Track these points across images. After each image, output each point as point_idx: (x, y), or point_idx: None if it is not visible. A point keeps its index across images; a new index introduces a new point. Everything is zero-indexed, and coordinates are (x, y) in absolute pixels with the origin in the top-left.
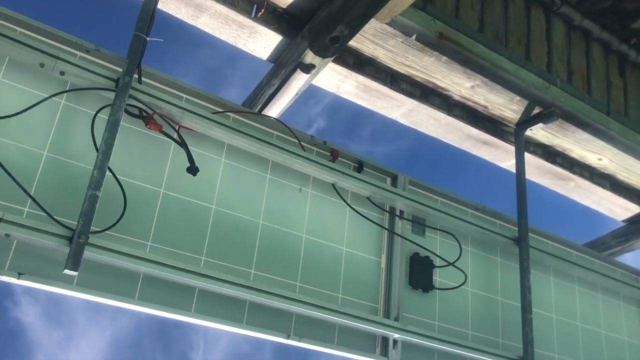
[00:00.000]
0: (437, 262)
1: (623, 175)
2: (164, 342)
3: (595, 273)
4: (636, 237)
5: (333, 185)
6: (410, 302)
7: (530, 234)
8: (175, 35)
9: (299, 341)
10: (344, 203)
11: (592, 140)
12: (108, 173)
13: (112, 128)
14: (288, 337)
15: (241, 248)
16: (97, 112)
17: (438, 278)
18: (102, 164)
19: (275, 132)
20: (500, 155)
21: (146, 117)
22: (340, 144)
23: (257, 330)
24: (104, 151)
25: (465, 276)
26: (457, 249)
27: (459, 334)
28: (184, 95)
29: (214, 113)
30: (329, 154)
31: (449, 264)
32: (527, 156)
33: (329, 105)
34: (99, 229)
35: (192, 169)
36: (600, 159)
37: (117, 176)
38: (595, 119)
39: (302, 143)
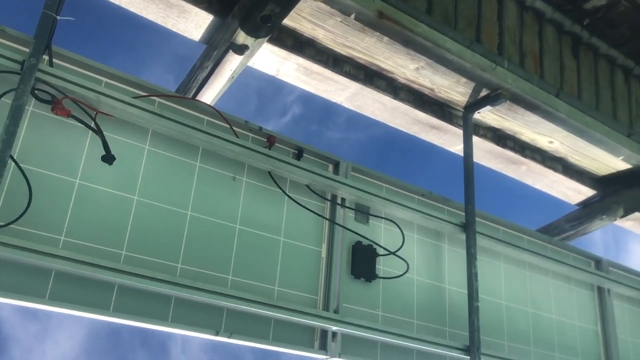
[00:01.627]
0: (382, 250)
1: (575, 158)
2: (143, 333)
3: (547, 258)
4: (589, 220)
5: (269, 173)
6: (352, 293)
7: (480, 220)
8: (103, 16)
9: (229, 337)
10: (282, 191)
11: (541, 123)
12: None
13: (14, 114)
14: (217, 334)
15: (166, 241)
16: (0, 96)
17: (382, 267)
18: (2, 153)
19: (207, 118)
20: (450, 139)
21: (53, 102)
22: (314, 131)
23: (183, 328)
24: (5, 139)
25: (408, 265)
26: (406, 236)
27: (403, 323)
28: (104, 79)
29: (134, 97)
30: (265, 141)
31: (390, 253)
32: (477, 140)
33: (306, 92)
34: (2, 223)
35: (108, 158)
36: (551, 142)
37: (24, 166)
38: (544, 101)
39: (235, 129)
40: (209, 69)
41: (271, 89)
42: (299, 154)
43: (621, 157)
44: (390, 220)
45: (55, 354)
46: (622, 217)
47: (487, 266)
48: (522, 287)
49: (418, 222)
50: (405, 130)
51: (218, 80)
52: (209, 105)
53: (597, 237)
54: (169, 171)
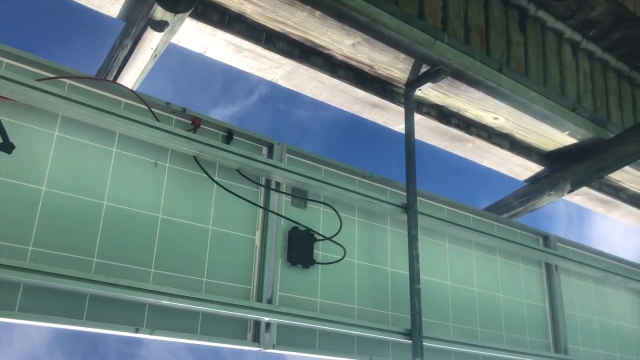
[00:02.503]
0: (320, 235)
1: (521, 134)
2: None
3: (493, 237)
4: (537, 196)
5: (195, 157)
6: (289, 280)
7: (423, 200)
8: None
9: (151, 334)
10: (209, 177)
11: (485, 99)
12: None
13: None
14: (137, 331)
15: (79, 234)
16: None
17: (322, 252)
18: None
19: (125, 100)
20: (393, 118)
21: None
22: (282, 110)
23: (99, 327)
24: None
25: (345, 250)
26: (343, 219)
27: (344, 310)
28: (4, 60)
29: (38, 80)
30: (190, 123)
31: (326, 238)
32: (421, 118)
33: None
34: None
35: (6, 146)
36: (496, 118)
37: None
38: (487, 77)
39: (155, 111)
40: (128, 47)
41: (237, 68)
42: (229, 136)
43: (567, 132)
44: (328, 205)
45: (23, 345)
46: (569, 192)
47: (431, 247)
48: (468, 267)
49: (359, 205)
50: (346, 110)
51: (139, 59)
52: (126, 88)
53: (561, 210)
54: (82, 158)
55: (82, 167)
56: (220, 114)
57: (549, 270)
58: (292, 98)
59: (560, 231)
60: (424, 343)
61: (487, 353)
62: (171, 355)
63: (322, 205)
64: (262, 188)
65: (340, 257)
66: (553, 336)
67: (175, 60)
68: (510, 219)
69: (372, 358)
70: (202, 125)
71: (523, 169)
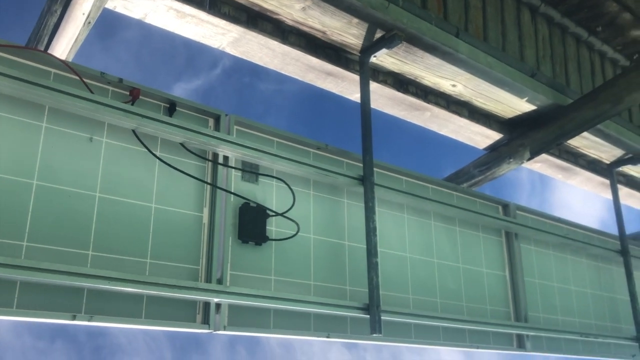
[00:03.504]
0: (274, 209)
1: (479, 102)
2: None
3: (452, 207)
4: (497, 164)
5: (134, 131)
6: (241, 259)
7: (381, 172)
8: None
9: (90, 320)
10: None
11: (443, 65)
12: None
13: None
14: (74, 318)
15: (7, 217)
16: None
17: (275, 228)
18: None
19: (55, 71)
20: (348, 87)
21: None
22: (247, 83)
23: (32, 315)
24: None
25: (298, 226)
26: (297, 192)
27: (300, 286)
28: None
29: None
30: (127, 94)
31: (277, 214)
32: (377, 86)
33: None
34: None
35: None
36: (454, 85)
37: None
38: (443, 42)
39: (89, 81)
40: (58, 13)
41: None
42: (171, 108)
43: (525, 99)
44: (279, 179)
45: None
46: (528, 159)
47: (390, 219)
48: (428, 238)
49: (314, 178)
50: (299, 78)
51: (71, 26)
52: (53, 56)
53: (524, 177)
54: (6, 135)
55: (8, 144)
56: (183, 88)
57: (509, 238)
58: (257, 71)
59: (524, 198)
60: (382, 317)
61: (447, 325)
62: (143, 334)
63: (274, 179)
64: (210, 163)
65: (292, 234)
66: (513, 305)
67: (135, 33)
68: (469, 189)
69: (329, 334)
70: (141, 97)
71: (482, 137)
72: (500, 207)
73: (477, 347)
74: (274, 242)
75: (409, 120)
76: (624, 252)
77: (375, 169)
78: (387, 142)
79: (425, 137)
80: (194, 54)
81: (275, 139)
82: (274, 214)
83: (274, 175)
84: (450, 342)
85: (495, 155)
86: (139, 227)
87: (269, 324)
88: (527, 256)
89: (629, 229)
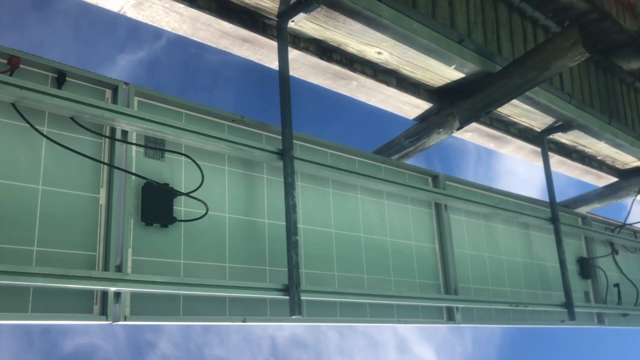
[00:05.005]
0: (183, 188)
1: (407, 70)
2: None
3: (378, 180)
4: (427, 135)
5: (13, 104)
6: (145, 242)
7: (304, 145)
8: None
9: None
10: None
11: (366, 32)
12: None
13: None
14: None
15: None
16: None
17: (185, 208)
18: None
19: None
20: (267, 54)
21: None
22: (193, 54)
23: None
24: None
25: (207, 206)
26: (210, 169)
27: (213, 269)
28: None
29: None
30: (5, 63)
31: (182, 194)
32: (299, 54)
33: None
34: None
35: None
36: (379, 53)
37: None
38: (364, 5)
39: None
40: None
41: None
42: (60, 78)
43: (453, 66)
44: (184, 155)
45: None
46: (458, 129)
47: (314, 194)
48: (354, 213)
49: (229, 153)
50: (213, 45)
51: None
52: None
53: (471, 146)
54: None
55: None
56: (126, 60)
57: (439, 210)
58: (204, 44)
59: (470, 166)
60: (304, 297)
61: (373, 301)
62: None
63: (183, 155)
64: (107, 139)
65: (202, 214)
66: (443, 277)
67: (73, 2)
68: (398, 161)
69: (245, 319)
70: (23, 66)
71: (412, 107)
72: (429, 179)
73: (405, 322)
74: (182, 223)
75: (334, 90)
76: (554, 220)
77: (298, 142)
78: (325, 117)
79: (365, 108)
80: (137, 24)
81: (183, 111)
82: (181, 193)
83: (182, 151)
84: (377, 319)
85: (425, 125)
86: (22, 212)
87: (178, 311)
88: (457, 227)
89: (568, 195)
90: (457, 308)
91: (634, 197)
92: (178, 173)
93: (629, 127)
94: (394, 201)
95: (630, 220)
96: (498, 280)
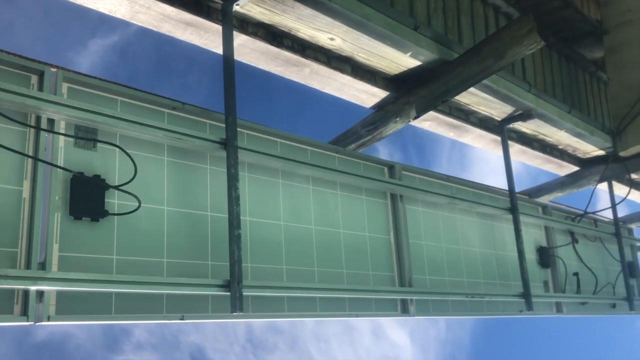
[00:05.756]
0: (117, 179)
1: (362, 57)
2: None
3: (330, 170)
4: (384, 124)
5: None
6: (74, 238)
7: (253, 134)
8: None
9: None
10: None
11: (316, 16)
12: None
13: None
14: None
15: None
16: None
17: (118, 201)
18: None
19: None
20: (214, 38)
21: None
22: (166, 39)
23: None
24: None
25: (139, 201)
26: (147, 159)
27: (150, 265)
28: None
29: None
30: None
31: (111, 187)
32: (247, 39)
33: None
34: None
35: None
36: (332, 39)
37: None
38: None
39: None
40: None
41: None
42: None
43: (409, 54)
44: (115, 145)
45: None
46: (415, 118)
47: (262, 185)
48: (305, 204)
49: (168, 143)
50: (155, 29)
51: None
52: None
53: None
54: None
55: None
56: (98, 44)
57: (394, 200)
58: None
59: (444, 154)
60: (248, 293)
61: (323, 295)
62: None
63: (114, 146)
64: (31, 129)
65: (135, 207)
66: (398, 269)
67: None
68: (353, 151)
69: (183, 316)
70: None
71: (368, 95)
72: (385, 169)
73: (357, 316)
74: (115, 217)
75: (287, 77)
76: (513, 210)
77: (245, 132)
78: (299, 109)
79: (325, 98)
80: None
81: (119, 97)
82: (111, 186)
83: (117, 141)
84: (328, 313)
85: (381, 114)
86: None
87: (110, 310)
88: (413, 218)
89: (541, 182)
90: (411, 300)
91: (594, 186)
92: (112, 164)
93: (591, 116)
94: (347, 192)
95: (591, 209)
96: (455, 271)
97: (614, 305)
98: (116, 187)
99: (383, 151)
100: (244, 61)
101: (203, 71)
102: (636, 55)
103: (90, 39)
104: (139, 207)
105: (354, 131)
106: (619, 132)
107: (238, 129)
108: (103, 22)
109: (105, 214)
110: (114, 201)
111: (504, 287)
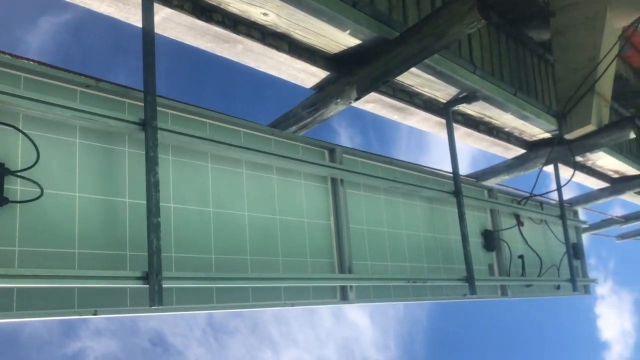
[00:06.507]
0: (20, 163)
1: (299, 35)
2: None
3: (265, 154)
4: (325, 105)
5: None
6: None
7: (179, 114)
8: None
9: None
10: None
11: None
12: None
13: None
14: None
15: None
16: None
17: (21, 187)
18: None
19: None
20: (134, 11)
21: None
22: None
23: None
24: None
25: (41, 189)
26: (55, 142)
27: (59, 257)
28: None
29: None
30: None
31: (10, 172)
32: (172, 13)
33: None
34: None
35: None
36: (265, 14)
37: None
38: None
39: None
40: None
41: None
42: None
43: (348, 32)
44: (12, 126)
45: None
46: (356, 99)
47: (189, 170)
48: (238, 190)
49: (80, 124)
50: (70, 1)
51: None
52: None
53: None
54: None
55: None
56: (49, 22)
57: (335, 184)
58: None
59: (403, 137)
60: (169, 285)
61: (256, 285)
62: None
63: (11, 126)
64: None
65: (39, 193)
66: (338, 255)
67: None
68: (292, 133)
69: (96, 311)
70: None
71: (308, 75)
72: (326, 152)
73: (293, 305)
74: (18, 205)
75: (218, 53)
76: (457, 193)
77: (169, 112)
78: (258, 92)
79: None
80: None
81: (22, 74)
82: (13, 171)
83: (19, 122)
84: (262, 303)
85: (322, 95)
86: None
87: (11, 306)
88: (355, 202)
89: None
90: (350, 287)
91: (540, 169)
92: (13, 147)
93: (538, 99)
94: (285, 176)
95: (538, 192)
96: (398, 256)
97: (558, 287)
98: (13, 173)
99: (344, 134)
100: (170, 36)
101: (161, 51)
102: (581, 38)
103: (40, 18)
104: (41, 194)
105: (295, 113)
106: (564, 115)
107: (162, 109)
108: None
109: (5, 201)
110: (16, 187)
111: (447, 272)
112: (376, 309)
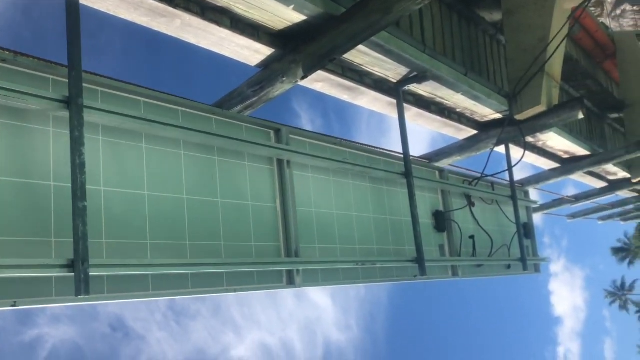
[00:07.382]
0: None
1: (241, 9)
2: None
3: (203, 134)
4: (271, 84)
5: None
6: None
7: (109, 91)
8: None
9: None
10: None
11: None
12: None
13: None
14: None
15: None
16: None
17: None
18: None
19: None
20: None
21: None
22: None
23: None
24: None
25: None
26: None
27: None
28: None
29: None
30: None
31: None
32: None
33: None
34: None
35: None
36: None
37: None
38: None
39: None
40: None
41: None
42: None
43: (292, 7)
44: None
45: None
46: (302, 78)
47: (120, 150)
48: (175, 172)
49: None
50: None
51: None
52: None
53: None
54: None
55: None
56: (4, 2)
57: (281, 166)
58: None
59: (373, 119)
60: (96, 273)
61: (196, 270)
62: None
63: None
64: None
65: None
66: (284, 238)
67: None
68: (234, 113)
69: (15, 302)
70: None
71: (252, 52)
72: (272, 132)
73: (236, 290)
74: None
75: (155, 28)
76: (407, 174)
77: (99, 89)
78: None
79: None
80: None
81: None
82: None
83: None
84: (202, 289)
85: (267, 73)
86: None
87: None
88: (302, 184)
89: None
90: (297, 271)
91: (491, 149)
92: None
93: (490, 80)
94: (227, 158)
95: (491, 172)
96: (347, 239)
97: (509, 266)
98: None
99: (305, 117)
100: (101, 9)
101: (117, 30)
102: (532, 18)
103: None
104: None
105: (240, 92)
106: (515, 96)
107: (91, 86)
108: None
109: None
110: None
111: (398, 253)
112: (338, 290)
